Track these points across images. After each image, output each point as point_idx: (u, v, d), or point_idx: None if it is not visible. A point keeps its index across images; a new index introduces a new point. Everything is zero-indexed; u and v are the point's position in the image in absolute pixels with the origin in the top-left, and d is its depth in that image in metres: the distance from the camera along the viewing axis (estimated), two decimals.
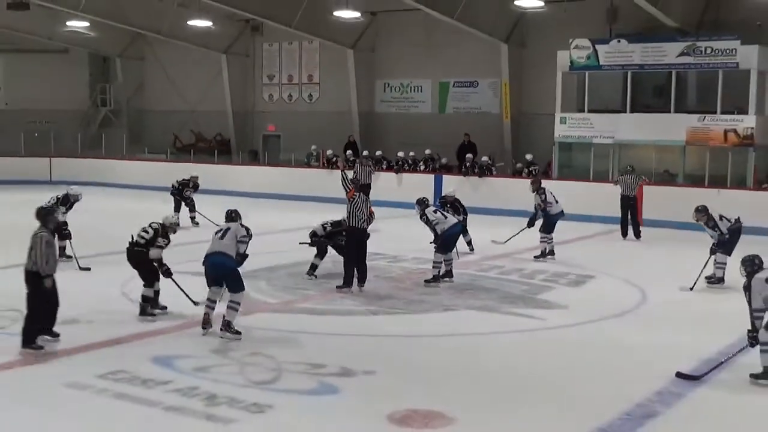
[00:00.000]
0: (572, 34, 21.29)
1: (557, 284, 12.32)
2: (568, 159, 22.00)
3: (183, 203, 18.02)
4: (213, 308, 9.31)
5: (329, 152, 24.52)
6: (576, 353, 8.83)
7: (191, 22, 26.35)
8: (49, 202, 13.01)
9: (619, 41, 20.91)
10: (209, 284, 9.30)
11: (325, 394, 7.39)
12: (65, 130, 30.35)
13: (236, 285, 9.12)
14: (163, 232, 9.74)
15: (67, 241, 12.99)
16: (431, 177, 22.40)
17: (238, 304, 9.13)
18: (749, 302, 7.76)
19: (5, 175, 25.63)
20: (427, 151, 23.59)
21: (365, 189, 19.17)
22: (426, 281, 12.02)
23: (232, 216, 9.72)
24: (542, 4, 20.50)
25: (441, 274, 12.08)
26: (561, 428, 6.69)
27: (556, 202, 14.49)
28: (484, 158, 21.98)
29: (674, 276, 13.21)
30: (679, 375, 7.82)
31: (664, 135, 20.23)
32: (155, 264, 9.77)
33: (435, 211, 12.45)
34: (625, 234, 17.31)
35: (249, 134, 30.51)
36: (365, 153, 22.39)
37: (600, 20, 22.05)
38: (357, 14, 23.53)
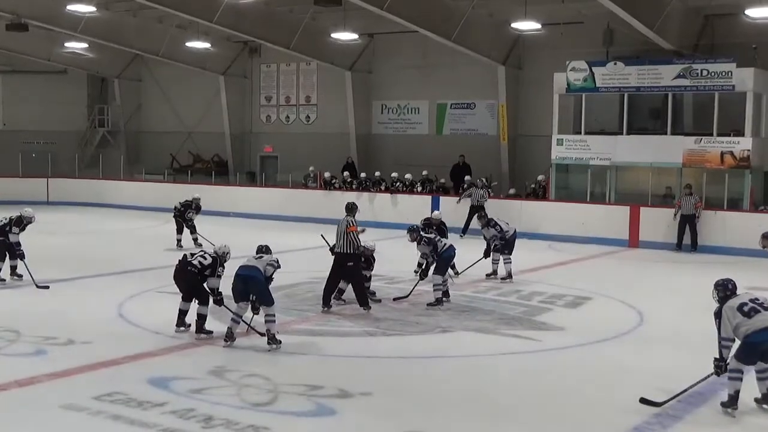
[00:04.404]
0: (569, 57, 21.39)
1: (554, 306, 12.31)
2: (565, 181, 22.04)
3: (185, 225, 18.01)
4: (238, 323, 9.53)
5: (327, 174, 24.56)
6: (573, 375, 8.81)
7: (189, 44, 26.50)
8: (1, 222, 13.16)
9: (615, 63, 21.00)
10: (236, 299, 9.54)
11: (322, 416, 7.36)
12: (63, 150, 30.42)
13: (265, 298, 9.47)
14: (221, 261, 9.89)
15: (19, 260, 13.18)
16: (428, 198, 22.44)
17: (273, 315, 9.46)
18: (718, 330, 7.58)
19: (2, 195, 25.62)
20: (424, 173, 23.64)
21: (476, 210, 19.17)
22: (428, 304, 11.97)
23: (263, 250, 10.06)
24: (539, 26, 20.64)
25: (440, 296, 12.09)
26: None
27: (507, 224, 14.48)
28: (480, 180, 21.98)
29: (671, 298, 13.26)
30: (642, 401, 7.65)
31: (661, 157, 20.28)
32: (210, 291, 9.85)
33: (435, 236, 12.70)
34: (679, 247, 18.70)
35: (246, 155, 30.57)
36: (482, 179, 21.92)
37: (597, 43, 22.19)
38: (354, 36, 23.67)
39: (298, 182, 25.69)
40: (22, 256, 13.16)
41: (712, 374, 7.71)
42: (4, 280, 13.13)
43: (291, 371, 8.60)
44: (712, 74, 19.74)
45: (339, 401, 7.67)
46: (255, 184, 28.21)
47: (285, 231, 19.59)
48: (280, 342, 9.41)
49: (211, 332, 9.89)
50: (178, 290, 10.20)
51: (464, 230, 20.43)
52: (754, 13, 17.88)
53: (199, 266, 9.83)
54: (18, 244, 13.16)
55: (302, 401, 7.64)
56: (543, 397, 7.99)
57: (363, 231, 11.67)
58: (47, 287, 12.81)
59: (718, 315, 7.64)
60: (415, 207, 21.93)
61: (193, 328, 9.98)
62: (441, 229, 14.21)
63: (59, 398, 7.53)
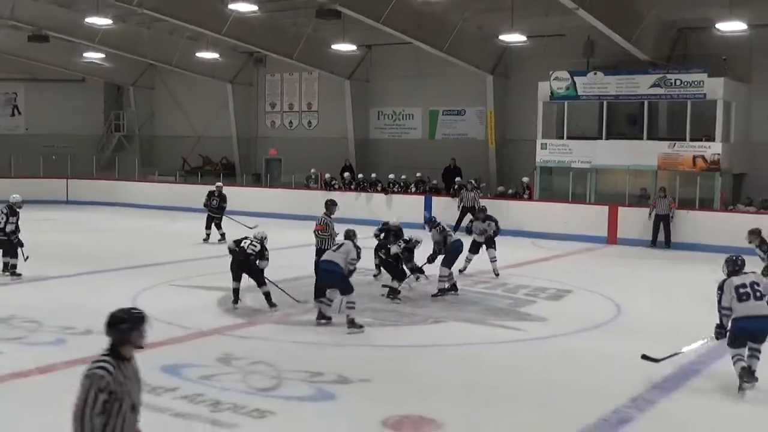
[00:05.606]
0: (552, 67, 21.40)
1: (538, 298, 12.31)
2: (549, 182, 22.03)
3: (213, 218, 18.10)
4: (329, 305, 10.13)
5: (327, 175, 24.56)
6: (556, 362, 8.82)
7: (199, 54, 26.47)
8: (1, 220, 12.83)
9: (595, 73, 21.03)
10: (321, 285, 10.28)
11: (323, 401, 7.35)
12: (81, 153, 30.33)
13: (345, 288, 9.88)
14: (265, 245, 10.91)
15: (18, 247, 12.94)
16: (421, 198, 22.44)
17: (353, 303, 9.87)
18: (719, 300, 7.70)
19: (25, 195, 25.07)
20: (418, 174, 23.65)
21: (469, 212, 18.75)
22: (433, 295, 11.98)
23: (350, 235, 10.44)
24: (525, 38, 20.63)
25: (447, 287, 12.08)
26: None
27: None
28: (471, 180, 21.96)
29: (647, 291, 13.28)
30: (643, 357, 8.04)
31: (638, 160, 20.30)
32: (263, 271, 10.86)
33: (447, 226, 12.73)
34: (654, 244, 18.63)
35: (252, 158, 30.54)
36: (471, 180, 21.58)
37: (578, 54, 22.18)
38: (353, 47, 23.64)
39: (301, 183, 25.66)
40: (20, 244, 12.90)
41: (711, 338, 7.89)
42: (20, 274, 12.89)
43: (293, 358, 8.58)
44: (685, 83, 19.77)
45: (339, 387, 7.66)
46: (260, 185, 28.12)
47: (288, 228, 19.50)
48: (361, 327, 9.76)
49: (276, 305, 10.80)
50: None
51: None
52: (723, 26, 17.92)
53: (254, 254, 10.75)
54: (14, 232, 12.86)
55: (304, 387, 7.64)
56: (529, 383, 8.00)
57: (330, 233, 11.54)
58: (27, 257, 12.85)
59: (721, 288, 7.73)
60: (410, 206, 21.96)
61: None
62: (398, 234, 13.11)
63: (77, 385, 7.49)
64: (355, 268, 10.26)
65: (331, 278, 9.95)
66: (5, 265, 12.95)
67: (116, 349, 4.26)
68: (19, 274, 12.88)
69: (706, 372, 8.35)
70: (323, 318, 10.11)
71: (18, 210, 13.03)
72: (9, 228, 12.80)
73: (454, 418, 6.86)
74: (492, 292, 12.74)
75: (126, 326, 4.31)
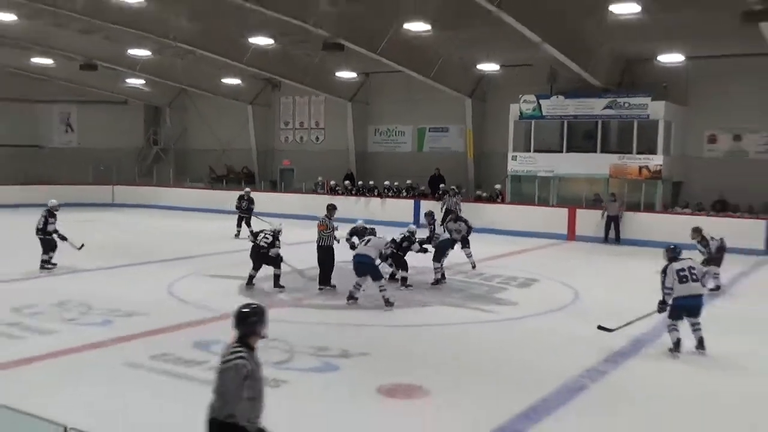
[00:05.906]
0: (521, 91, 21.41)
1: (510, 286, 12.33)
2: (518, 188, 22.03)
3: (243, 217, 18.28)
4: (359, 290, 10.38)
5: (332, 182, 24.58)
6: (524, 339, 8.85)
7: (224, 80, 26.46)
8: (41, 222, 12.71)
9: (557, 97, 21.05)
10: (357, 275, 10.36)
11: (328, 372, 7.37)
12: (125, 164, 30.28)
13: (376, 275, 10.27)
14: (278, 236, 11.30)
15: (61, 240, 12.83)
16: (411, 202, 22.43)
17: (384, 286, 10.27)
18: (662, 281, 7.91)
19: (76, 199, 25.44)
20: (408, 181, 23.64)
21: (451, 215, 18.15)
22: (432, 283, 12.03)
23: (367, 232, 11.53)
24: (498, 67, 20.66)
25: (439, 277, 12.13)
26: (513, 398, 6.67)
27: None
28: (453, 187, 21.93)
29: (601, 279, 13.31)
30: (599, 327, 8.35)
31: (593, 170, 20.34)
32: (276, 257, 11.17)
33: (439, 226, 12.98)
34: (606, 240, 18.56)
35: (269, 167, 30.47)
36: (453, 187, 20.80)
37: (543, 80, 22.17)
38: (354, 75, 23.66)
39: (310, 189, 25.66)
40: (63, 238, 12.79)
41: (654, 312, 8.14)
42: (56, 264, 12.74)
43: (303, 336, 8.57)
44: (632, 106, 19.81)
45: (342, 360, 7.68)
46: (276, 191, 28.12)
47: (299, 228, 19.52)
48: (393, 304, 10.12)
49: (283, 286, 11.07)
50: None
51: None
52: (664, 59, 18.08)
53: (266, 245, 11.13)
54: (56, 231, 12.75)
55: (312, 360, 7.65)
56: (500, 356, 8.03)
57: (336, 228, 11.55)
58: (83, 245, 12.90)
59: (664, 271, 7.95)
60: (402, 208, 21.99)
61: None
62: (372, 233, 12.19)
63: (122, 358, 7.53)
64: (391, 252, 11.06)
65: (365, 268, 10.26)
66: (47, 260, 12.81)
67: (245, 340, 4.12)
68: (53, 266, 12.69)
69: (654, 343, 8.38)
70: (352, 299, 10.34)
71: (56, 212, 12.96)
72: (50, 228, 12.74)
73: (439, 386, 6.88)
74: (471, 280, 12.76)
75: (254, 319, 4.16)
